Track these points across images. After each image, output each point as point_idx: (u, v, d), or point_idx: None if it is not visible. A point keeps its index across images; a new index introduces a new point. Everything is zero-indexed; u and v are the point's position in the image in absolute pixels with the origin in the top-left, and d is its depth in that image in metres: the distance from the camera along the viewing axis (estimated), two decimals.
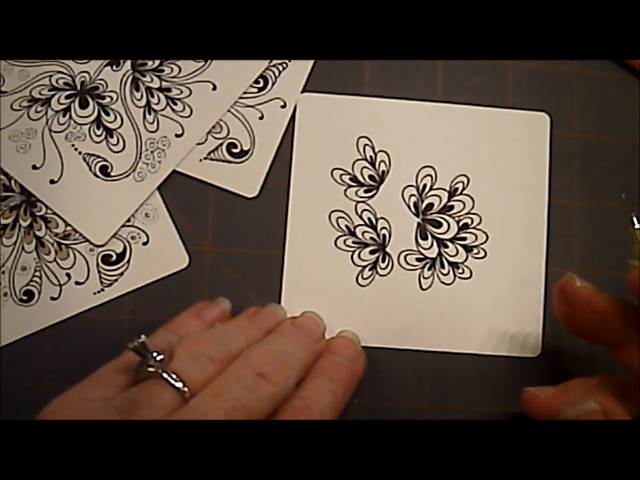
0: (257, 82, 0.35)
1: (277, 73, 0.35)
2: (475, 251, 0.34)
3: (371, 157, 0.35)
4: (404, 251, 0.34)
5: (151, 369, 0.25)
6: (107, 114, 0.34)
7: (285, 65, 0.35)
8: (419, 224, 0.34)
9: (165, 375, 0.25)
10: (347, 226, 0.34)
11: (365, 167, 0.35)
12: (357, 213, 0.34)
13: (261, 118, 0.35)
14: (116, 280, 0.33)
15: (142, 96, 0.34)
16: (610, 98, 0.36)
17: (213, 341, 0.27)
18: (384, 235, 0.34)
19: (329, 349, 0.31)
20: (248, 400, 0.25)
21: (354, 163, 0.35)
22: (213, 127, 0.34)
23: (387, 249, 0.34)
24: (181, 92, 0.34)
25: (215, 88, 0.35)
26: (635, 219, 0.28)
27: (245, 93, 0.35)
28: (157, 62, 0.35)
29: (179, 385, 0.25)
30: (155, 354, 0.25)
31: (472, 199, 0.35)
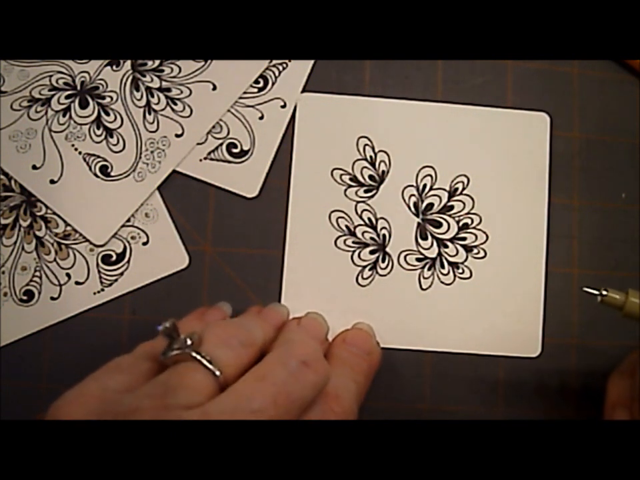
0: (257, 82, 0.35)
1: (276, 73, 0.35)
2: (475, 251, 0.34)
3: (370, 156, 0.35)
4: (404, 251, 0.34)
5: (180, 351, 0.24)
6: (107, 114, 0.34)
7: (285, 65, 0.35)
8: (419, 224, 0.34)
9: (197, 357, 0.24)
10: (346, 226, 0.34)
11: (365, 167, 0.35)
12: (357, 213, 0.34)
13: (261, 118, 0.35)
14: (116, 280, 0.33)
15: (142, 96, 0.34)
16: (610, 98, 0.36)
17: (239, 327, 0.27)
18: (384, 235, 0.34)
19: (344, 340, 0.31)
20: (293, 386, 0.24)
21: (354, 163, 0.35)
22: (213, 126, 0.34)
23: (387, 249, 0.34)
24: (181, 92, 0.34)
25: (214, 88, 0.35)
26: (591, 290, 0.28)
27: (245, 92, 0.35)
28: (157, 62, 0.35)
29: (212, 367, 0.24)
30: (185, 337, 0.24)
31: (472, 199, 0.35)
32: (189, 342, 0.24)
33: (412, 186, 0.34)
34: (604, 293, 0.28)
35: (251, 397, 0.23)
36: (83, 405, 0.24)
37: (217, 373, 0.24)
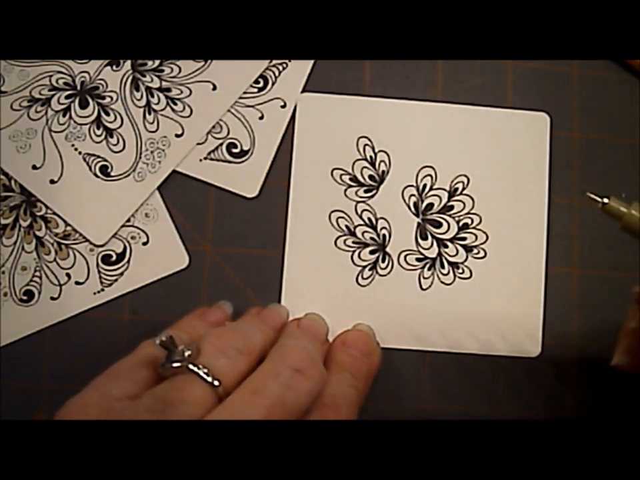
0: (257, 82, 0.35)
1: (277, 73, 0.35)
2: (475, 251, 0.34)
3: (370, 156, 0.35)
4: (404, 251, 0.34)
5: (178, 364, 0.24)
6: (107, 114, 0.34)
7: (285, 65, 0.35)
8: (419, 224, 0.34)
9: (195, 369, 0.24)
10: (346, 226, 0.34)
11: (365, 167, 0.35)
12: (357, 213, 0.34)
13: (261, 118, 0.35)
14: (116, 280, 0.33)
15: (142, 96, 0.34)
16: (610, 98, 0.36)
17: (237, 334, 0.27)
18: (384, 235, 0.34)
19: (344, 343, 0.31)
20: (287, 397, 0.24)
21: (354, 163, 0.35)
22: (213, 126, 0.34)
23: (387, 249, 0.34)
24: (181, 92, 0.34)
25: (214, 88, 0.35)
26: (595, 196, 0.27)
27: (245, 92, 0.35)
28: (157, 62, 0.35)
29: (210, 379, 0.24)
30: (182, 348, 0.24)
31: (472, 199, 0.35)
32: (186, 354, 0.24)
33: (412, 186, 0.35)
34: (605, 200, 0.27)
35: (245, 411, 0.23)
36: (84, 414, 0.24)
37: (216, 383, 0.24)
